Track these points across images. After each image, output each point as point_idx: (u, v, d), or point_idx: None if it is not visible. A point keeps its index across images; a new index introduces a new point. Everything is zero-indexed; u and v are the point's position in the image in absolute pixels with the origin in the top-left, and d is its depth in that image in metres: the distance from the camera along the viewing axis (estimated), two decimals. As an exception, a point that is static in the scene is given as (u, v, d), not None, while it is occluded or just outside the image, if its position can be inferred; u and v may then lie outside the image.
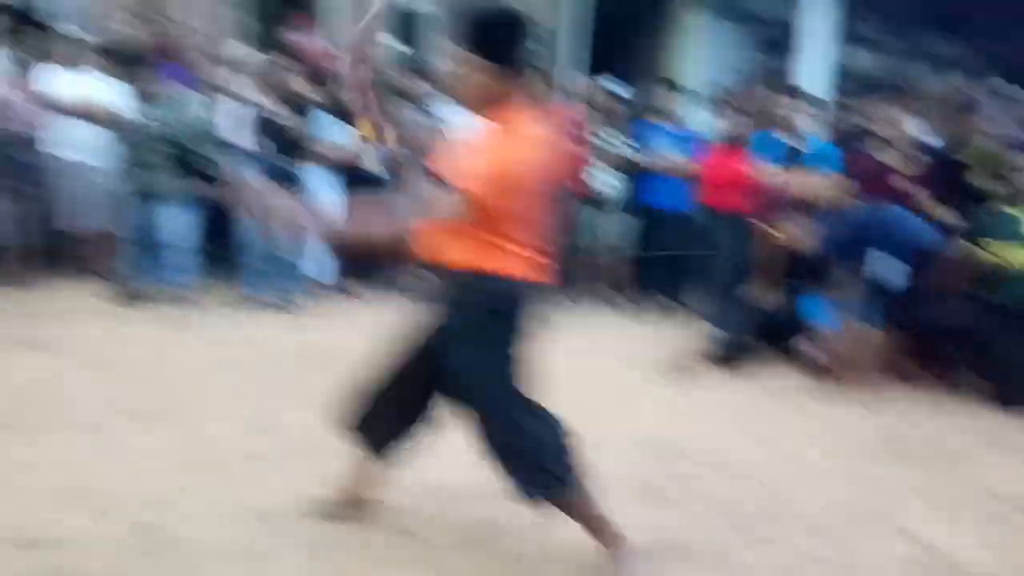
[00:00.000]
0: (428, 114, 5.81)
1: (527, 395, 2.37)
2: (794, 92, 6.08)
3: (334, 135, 5.44)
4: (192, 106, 5.24)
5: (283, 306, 5.17)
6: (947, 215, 4.84)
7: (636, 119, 6.21)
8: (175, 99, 5.19)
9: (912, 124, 5.31)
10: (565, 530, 2.49)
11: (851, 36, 8.64)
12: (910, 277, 4.46)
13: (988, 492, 3.31)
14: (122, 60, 5.35)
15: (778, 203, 5.15)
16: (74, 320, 4.60)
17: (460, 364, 2.36)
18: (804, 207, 5.03)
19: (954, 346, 4.57)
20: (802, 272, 4.87)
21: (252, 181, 2.29)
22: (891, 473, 3.44)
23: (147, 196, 5.06)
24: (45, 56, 5.30)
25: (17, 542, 2.42)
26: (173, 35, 5.90)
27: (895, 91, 6.24)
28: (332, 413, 2.59)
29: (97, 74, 5.32)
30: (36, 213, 5.20)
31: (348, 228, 2.62)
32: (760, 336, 4.91)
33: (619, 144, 5.98)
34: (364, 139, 5.45)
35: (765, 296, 4.95)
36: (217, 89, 5.46)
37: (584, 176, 5.86)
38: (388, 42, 8.78)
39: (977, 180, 4.89)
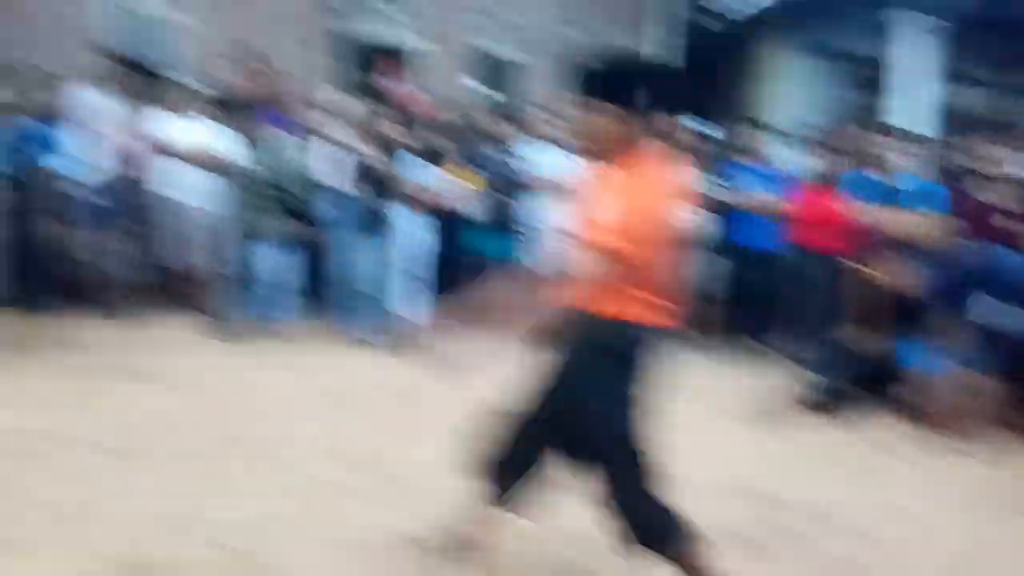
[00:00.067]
0: (515, 157, 5.88)
1: (644, 440, 2.32)
2: (887, 130, 5.93)
3: (420, 176, 5.56)
4: (288, 149, 5.44)
5: (378, 343, 5.26)
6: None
7: (723, 159, 6.15)
8: (273, 142, 5.40)
9: (1016, 162, 5.12)
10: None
11: (954, 74, 8.43)
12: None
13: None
14: (228, 107, 5.60)
15: (873, 243, 5.01)
16: (179, 353, 4.76)
17: (582, 406, 2.33)
18: (901, 247, 4.88)
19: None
20: (902, 315, 4.70)
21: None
22: (1011, 529, 3.26)
23: (249, 235, 5.26)
24: (154, 102, 5.58)
25: (121, 565, 2.51)
26: (271, 81, 6.14)
27: (999, 129, 6.03)
28: (457, 455, 2.58)
29: (207, 121, 5.59)
30: (144, 251, 5.46)
31: (499, 316, 2.52)
32: (857, 382, 4.73)
33: (709, 184, 5.92)
34: (457, 182, 5.58)
35: (862, 340, 4.79)
36: (312, 133, 5.65)
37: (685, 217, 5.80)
38: (476, 87, 8.99)
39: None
